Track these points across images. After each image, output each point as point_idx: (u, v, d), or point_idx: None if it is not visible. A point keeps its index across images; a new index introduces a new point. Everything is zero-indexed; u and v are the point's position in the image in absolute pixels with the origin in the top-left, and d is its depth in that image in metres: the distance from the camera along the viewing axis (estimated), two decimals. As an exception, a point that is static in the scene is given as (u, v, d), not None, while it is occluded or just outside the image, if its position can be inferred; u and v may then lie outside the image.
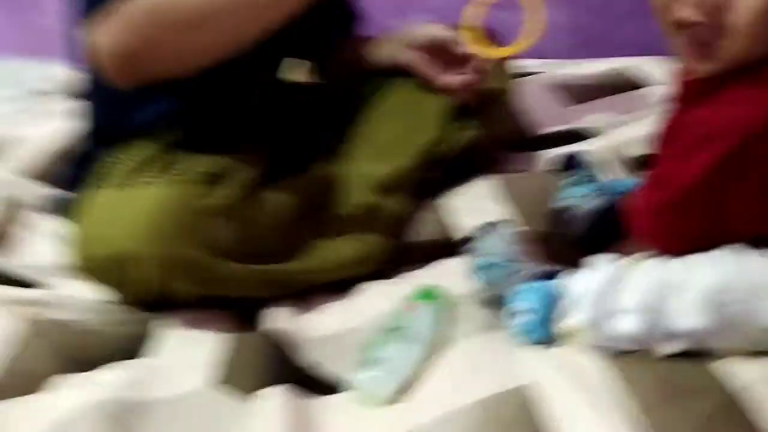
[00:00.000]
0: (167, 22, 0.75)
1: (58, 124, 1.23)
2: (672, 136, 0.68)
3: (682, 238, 0.66)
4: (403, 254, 0.89)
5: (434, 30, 0.99)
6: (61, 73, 1.55)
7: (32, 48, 2.48)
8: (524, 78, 1.47)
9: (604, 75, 1.48)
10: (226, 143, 0.87)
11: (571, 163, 0.95)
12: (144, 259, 0.72)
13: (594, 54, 1.71)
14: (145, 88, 0.81)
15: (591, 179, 0.92)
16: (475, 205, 0.97)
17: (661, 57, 1.48)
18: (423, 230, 0.94)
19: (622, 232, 0.84)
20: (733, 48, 0.60)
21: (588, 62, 1.58)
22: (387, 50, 1.04)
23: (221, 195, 0.78)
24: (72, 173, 0.96)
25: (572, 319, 0.68)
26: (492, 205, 0.97)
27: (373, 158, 0.98)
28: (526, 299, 0.71)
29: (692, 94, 0.67)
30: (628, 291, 0.65)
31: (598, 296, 0.66)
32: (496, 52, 0.77)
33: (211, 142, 0.87)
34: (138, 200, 0.75)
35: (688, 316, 0.62)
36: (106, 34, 0.76)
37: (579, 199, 0.89)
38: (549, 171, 1.00)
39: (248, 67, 0.84)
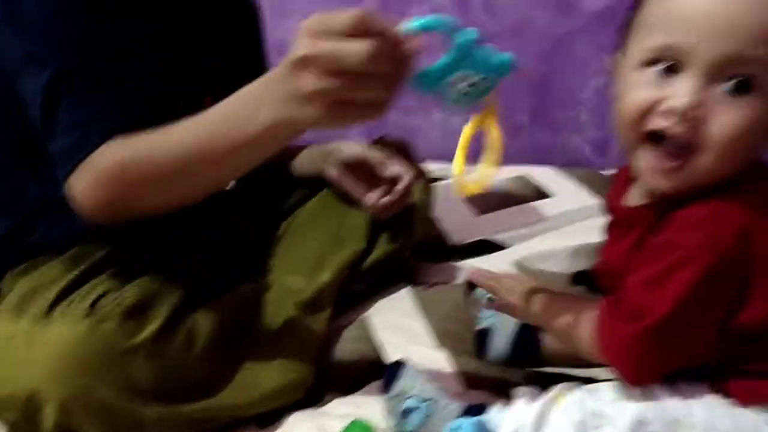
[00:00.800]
0: (138, 178, 0.72)
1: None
2: (635, 261, 0.64)
3: (655, 369, 0.63)
4: (328, 377, 0.87)
5: (361, 149, 1.01)
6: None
7: None
8: (438, 185, 1.52)
9: (509, 183, 1.55)
10: (147, 263, 0.83)
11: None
12: (52, 400, 0.66)
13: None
14: (55, 202, 0.77)
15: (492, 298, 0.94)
16: (395, 322, 0.98)
17: (559, 167, 1.60)
18: (348, 349, 0.93)
19: (539, 351, 0.88)
20: (705, 164, 0.58)
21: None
22: (313, 162, 1.04)
23: (141, 331, 0.73)
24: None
25: None
26: (411, 321, 0.98)
27: (296, 273, 0.96)
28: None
29: (646, 216, 0.65)
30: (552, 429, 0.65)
31: None
32: (469, 188, 0.65)
33: (130, 262, 0.82)
34: (51, 336, 0.69)
35: None
36: (79, 186, 0.73)
37: (498, 319, 0.91)
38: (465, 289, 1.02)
39: None
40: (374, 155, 0.99)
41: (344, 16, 0.53)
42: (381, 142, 1.15)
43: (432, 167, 1.60)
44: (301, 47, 0.54)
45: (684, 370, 0.63)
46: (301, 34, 0.54)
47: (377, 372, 0.86)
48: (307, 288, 0.93)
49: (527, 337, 0.87)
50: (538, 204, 1.43)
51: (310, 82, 0.54)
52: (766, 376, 0.61)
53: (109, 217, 0.76)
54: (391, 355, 0.90)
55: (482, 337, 0.90)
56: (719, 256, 0.57)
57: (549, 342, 0.86)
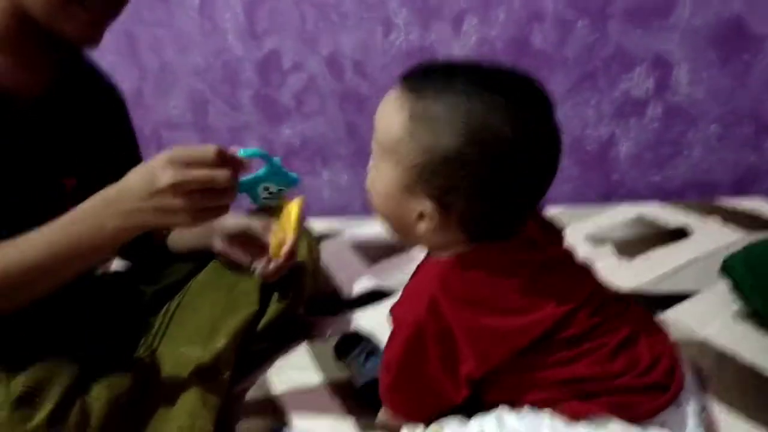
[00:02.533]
0: (14, 289, 0.77)
1: None
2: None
3: (413, 410, 0.76)
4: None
5: (244, 220, 1.06)
6: None
7: None
8: (326, 239, 1.59)
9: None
10: (33, 351, 0.84)
11: (349, 342, 1.03)
12: None
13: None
14: None
15: (374, 349, 1.00)
16: (293, 378, 1.03)
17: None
18: (249, 410, 0.96)
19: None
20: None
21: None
22: (196, 237, 1.08)
23: (33, 417, 0.74)
24: None
25: None
26: (308, 375, 1.03)
27: (192, 342, 0.98)
28: None
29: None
30: None
31: None
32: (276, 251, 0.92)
33: (15, 353, 0.83)
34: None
35: None
36: None
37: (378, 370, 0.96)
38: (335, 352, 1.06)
39: None
40: (257, 224, 1.04)
41: (208, 151, 0.72)
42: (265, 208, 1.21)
43: (321, 224, 1.67)
44: (170, 175, 0.71)
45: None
46: (164, 163, 0.71)
47: (278, 429, 0.90)
48: (204, 355, 0.96)
49: None
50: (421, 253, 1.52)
51: (177, 201, 0.72)
52: (588, 398, 0.71)
53: None
54: (291, 415, 0.94)
55: (372, 388, 0.93)
56: (416, 327, 0.70)
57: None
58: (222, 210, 0.76)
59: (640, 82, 1.70)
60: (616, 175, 1.80)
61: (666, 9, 1.63)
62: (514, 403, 0.73)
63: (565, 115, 1.76)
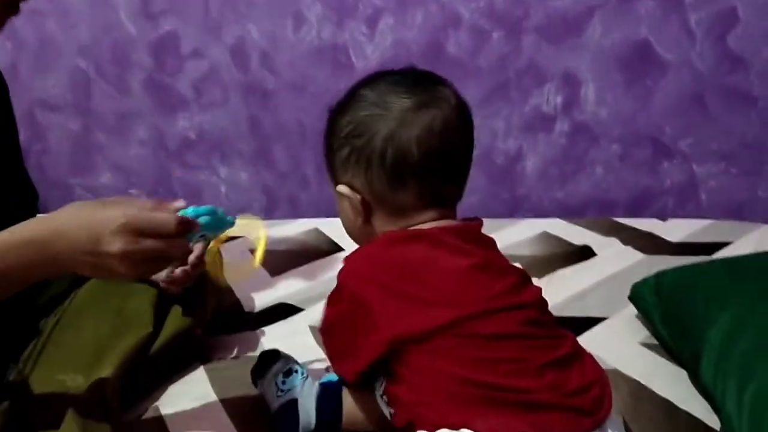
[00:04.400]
0: None
1: None
2: None
3: (339, 369, 0.82)
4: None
5: None
6: None
7: None
8: (223, 244, 1.47)
9: (300, 238, 1.55)
10: None
11: (268, 360, 0.95)
12: None
13: (284, 215, 1.80)
14: None
15: (292, 368, 0.93)
16: (190, 409, 0.92)
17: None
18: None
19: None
20: None
21: (284, 223, 1.66)
22: None
23: None
24: None
25: None
26: (207, 407, 0.93)
27: (72, 369, 0.86)
28: None
29: None
30: None
31: None
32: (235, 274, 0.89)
33: None
34: None
35: None
36: None
37: (299, 389, 0.89)
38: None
39: None
40: None
41: (169, 223, 0.67)
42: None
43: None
44: (121, 244, 0.65)
45: None
46: (117, 229, 0.65)
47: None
48: (85, 386, 0.83)
49: (332, 392, 0.88)
50: (332, 258, 1.45)
51: (122, 268, 0.66)
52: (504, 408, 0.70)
53: None
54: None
55: (288, 410, 0.88)
56: (342, 294, 0.77)
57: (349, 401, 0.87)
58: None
59: (549, 97, 1.71)
60: (522, 190, 1.81)
61: (578, 28, 1.64)
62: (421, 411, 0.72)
63: (476, 125, 1.74)
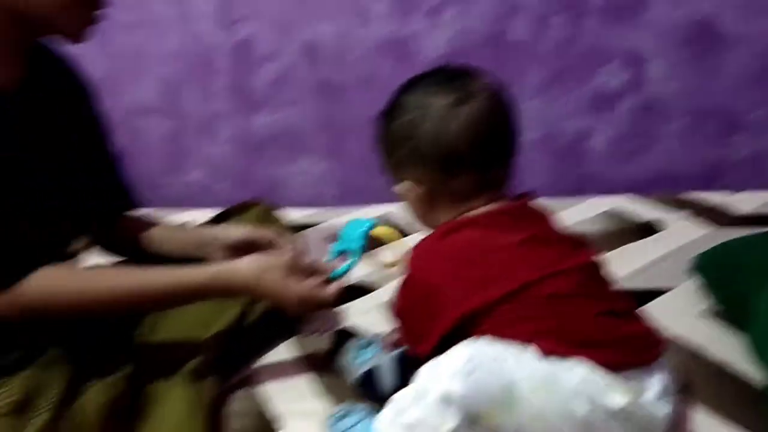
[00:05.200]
0: (55, 310, 0.85)
1: None
2: None
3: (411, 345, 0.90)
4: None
5: (247, 230, 1.07)
6: None
7: None
8: (301, 231, 1.59)
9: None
10: (28, 358, 0.83)
11: (345, 337, 1.06)
12: None
13: (356, 203, 1.91)
14: None
15: (368, 341, 1.03)
16: (280, 377, 1.04)
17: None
18: (236, 410, 0.97)
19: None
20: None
21: (355, 210, 1.76)
22: (191, 247, 1.07)
23: (32, 423, 0.74)
24: None
25: None
26: (294, 374, 1.04)
27: (180, 345, 0.99)
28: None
29: None
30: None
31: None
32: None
33: (11, 359, 0.82)
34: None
35: (447, 381, 0.74)
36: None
37: (376, 359, 0.99)
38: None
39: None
40: (262, 235, 1.05)
41: (329, 299, 0.92)
42: (246, 206, 1.22)
43: (296, 214, 1.68)
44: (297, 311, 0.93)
45: None
46: (296, 300, 0.90)
47: (267, 429, 0.92)
48: (191, 357, 0.96)
49: (408, 360, 0.95)
50: (404, 241, 1.54)
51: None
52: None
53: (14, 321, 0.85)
54: (277, 410, 0.95)
55: (369, 377, 0.97)
56: (410, 281, 0.87)
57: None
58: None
59: (614, 76, 1.74)
60: (588, 168, 1.85)
61: (642, 5, 1.66)
62: None
63: (539, 108, 1.79)
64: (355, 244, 0.98)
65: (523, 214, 0.87)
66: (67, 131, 1.00)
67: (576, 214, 1.59)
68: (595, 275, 0.86)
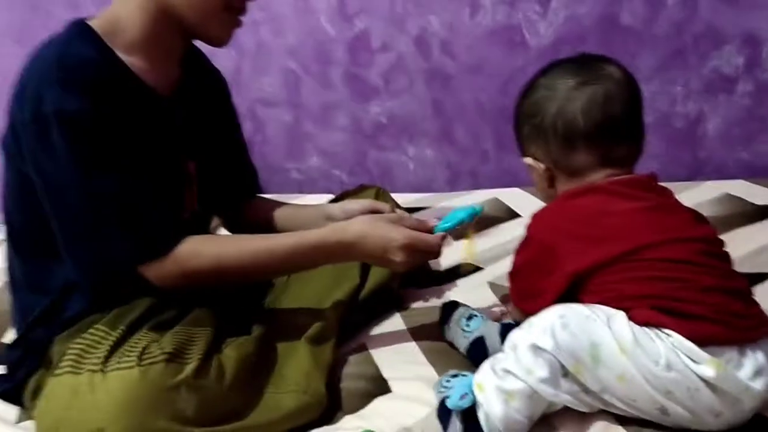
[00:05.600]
0: (227, 279, 1.00)
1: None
2: None
3: (523, 303, 0.97)
4: (338, 398, 1.00)
5: (370, 203, 1.17)
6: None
7: None
8: (413, 213, 1.67)
9: (482, 205, 1.69)
10: (176, 317, 0.97)
11: (450, 309, 1.11)
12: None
13: (466, 187, 1.96)
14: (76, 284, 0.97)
15: (472, 314, 1.09)
16: (390, 345, 1.12)
17: (527, 188, 1.76)
18: (352, 373, 1.06)
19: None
20: None
21: (465, 194, 1.82)
22: (311, 222, 1.16)
23: (182, 370, 0.87)
24: (12, 357, 1.02)
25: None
26: (403, 343, 1.12)
27: (303, 312, 1.10)
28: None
29: None
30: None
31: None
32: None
33: (162, 317, 0.96)
34: (111, 384, 0.83)
35: (538, 334, 0.81)
36: (160, 273, 0.95)
37: (483, 328, 1.05)
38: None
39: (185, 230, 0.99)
40: (381, 206, 1.14)
41: (435, 243, 0.98)
42: (362, 189, 1.31)
43: (407, 199, 1.76)
44: (407, 255, 0.96)
45: None
46: (403, 246, 0.95)
47: (378, 390, 1.01)
48: (313, 323, 1.06)
49: (512, 330, 1.02)
50: (510, 224, 1.59)
51: (404, 266, 0.98)
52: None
53: (171, 286, 0.97)
54: (388, 374, 1.04)
55: (477, 346, 1.03)
56: (529, 241, 0.95)
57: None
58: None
59: (730, 59, 1.69)
60: (703, 153, 1.81)
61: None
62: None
63: (653, 92, 1.76)
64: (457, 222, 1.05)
65: (647, 186, 0.92)
66: (213, 125, 1.14)
67: (691, 198, 1.57)
68: (713, 251, 0.88)
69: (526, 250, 0.96)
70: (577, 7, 1.75)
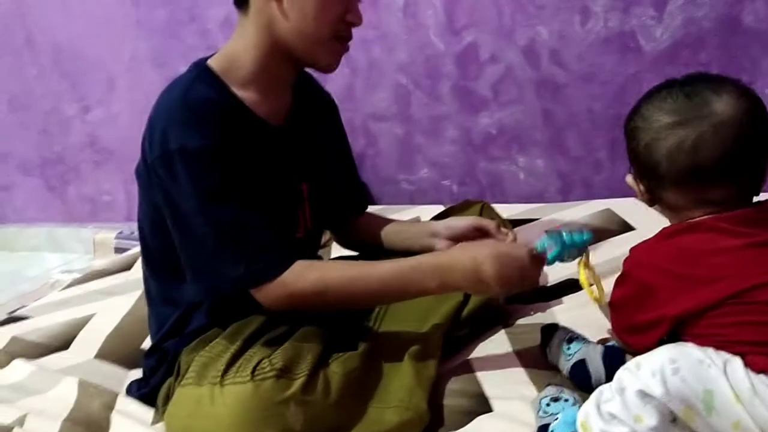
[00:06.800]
0: (329, 302, 1.04)
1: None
2: None
3: (626, 339, 0.96)
4: (440, 415, 1.03)
5: (474, 220, 1.20)
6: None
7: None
8: (523, 224, 1.67)
9: (594, 216, 1.67)
10: (286, 333, 1.05)
11: (550, 332, 1.10)
12: None
13: (579, 197, 1.93)
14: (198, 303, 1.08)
15: (572, 336, 1.07)
16: (494, 362, 1.14)
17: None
18: (455, 390, 1.09)
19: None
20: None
21: (578, 204, 1.79)
22: (413, 239, 1.22)
23: (291, 386, 0.93)
24: (149, 364, 1.14)
25: None
26: (507, 360, 1.13)
27: (407, 328, 1.14)
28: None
29: None
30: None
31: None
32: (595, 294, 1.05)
33: (274, 334, 1.04)
34: (227, 396, 0.91)
35: (647, 379, 0.78)
36: (271, 297, 1.02)
37: (585, 351, 1.04)
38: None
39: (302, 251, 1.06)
40: (487, 223, 1.18)
41: (523, 258, 0.99)
42: (468, 204, 1.34)
43: (517, 210, 1.75)
44: (499, 269, 0.97)
45: None
46: (490, 259, 0.97)
47: (480, 408, 1.02)
48: (417, 340, 1.10)
49: (615, 354, 1.00)
50: (623, 237, 1.54)
51: (494, 289, 1.00)
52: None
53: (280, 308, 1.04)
54: (490, 392, 1.06)
55: (579, 369, 1.02)
56: (628, 279, 0.94)
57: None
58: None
59: None
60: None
61: None
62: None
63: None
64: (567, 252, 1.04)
65: (754, 220, 0.86)
66: (324, 146, 1.21)
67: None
68: None
69: (623, 286, 0.95)
70: (694, 10, 1.67)
